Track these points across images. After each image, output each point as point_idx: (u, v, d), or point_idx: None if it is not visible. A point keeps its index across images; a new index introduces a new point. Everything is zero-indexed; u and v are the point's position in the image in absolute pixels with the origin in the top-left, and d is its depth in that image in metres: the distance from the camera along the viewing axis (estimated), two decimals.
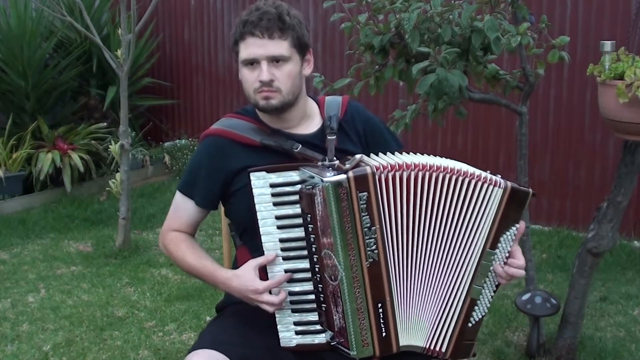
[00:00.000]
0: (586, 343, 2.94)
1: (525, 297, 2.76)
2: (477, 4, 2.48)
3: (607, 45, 2.41)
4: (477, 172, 1.67)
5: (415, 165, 1.63)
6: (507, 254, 1.71)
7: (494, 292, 1.73)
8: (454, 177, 1.65)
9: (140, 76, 5.84)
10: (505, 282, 1.73)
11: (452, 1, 2.50)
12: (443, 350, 1.71)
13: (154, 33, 6.03)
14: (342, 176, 1.59)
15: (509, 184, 1.68)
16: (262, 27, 1.71)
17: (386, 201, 1.62)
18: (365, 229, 1.60)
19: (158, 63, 6.14)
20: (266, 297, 1.68)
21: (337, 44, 5.03)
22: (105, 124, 5.52)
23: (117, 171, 4.32)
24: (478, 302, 1.71)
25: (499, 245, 1.69)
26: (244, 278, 1.71)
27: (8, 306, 3.44)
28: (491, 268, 1.69)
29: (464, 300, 1.69)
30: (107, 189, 4.46)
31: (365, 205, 1.59)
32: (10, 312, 3.37)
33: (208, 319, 3.22)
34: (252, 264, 1.71)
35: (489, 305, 1.73)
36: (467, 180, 1.65)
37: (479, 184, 1.66)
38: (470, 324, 1.71)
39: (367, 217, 1.60)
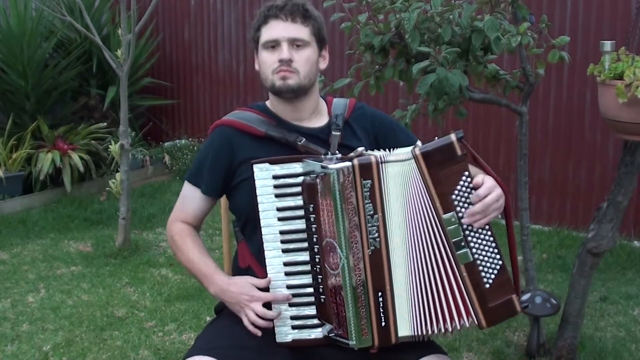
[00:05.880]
0: (586, 343, 2.94)
1: (526, 297, 2.76)
2: (477, 4, 2.48)
3: (607, 45, 2.41)
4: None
5: None
6: (468, 205, 1.60)
7: (492, 241, 1.61)
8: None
9: (140, 76, 5.84)
10: (485, 217, 1.59)
11: (453, 1, 2.50)
12: (481, 322, 1.60)
13: (154, 33, 6.04)
14: (347, 163, 1.62)
15: (416, 152, 1.60)
16: (286, 10, 1.79)
17: (385, 190, 1.62)
18: (368, 217, 1.61)
19: (158, 63, 6.14)
20: (259, 307, 1.70)
21: (337, 44, 5.03)
22: (105, 124, 5.52)
23: (117, 171, 4.32)
24: (478, 262, 1.59)
25: (455, 202, 1.59)
26: (242, 284, 1.74)
27: (8, 306, 3.44)
28: (461, 226, 1.59)
29: (459, 271, 1.59)
30: (107, 189, 4.46)
31: (368, 193, 1.61)
32: (10, 312, 3.37)
33: (208, 319, 3.22)
34: (250, 280, 1.74)
35: (498, 257, 1.61)
36: None
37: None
38: (487, 285, 1.60)
39: (370, 204, 1.61)
